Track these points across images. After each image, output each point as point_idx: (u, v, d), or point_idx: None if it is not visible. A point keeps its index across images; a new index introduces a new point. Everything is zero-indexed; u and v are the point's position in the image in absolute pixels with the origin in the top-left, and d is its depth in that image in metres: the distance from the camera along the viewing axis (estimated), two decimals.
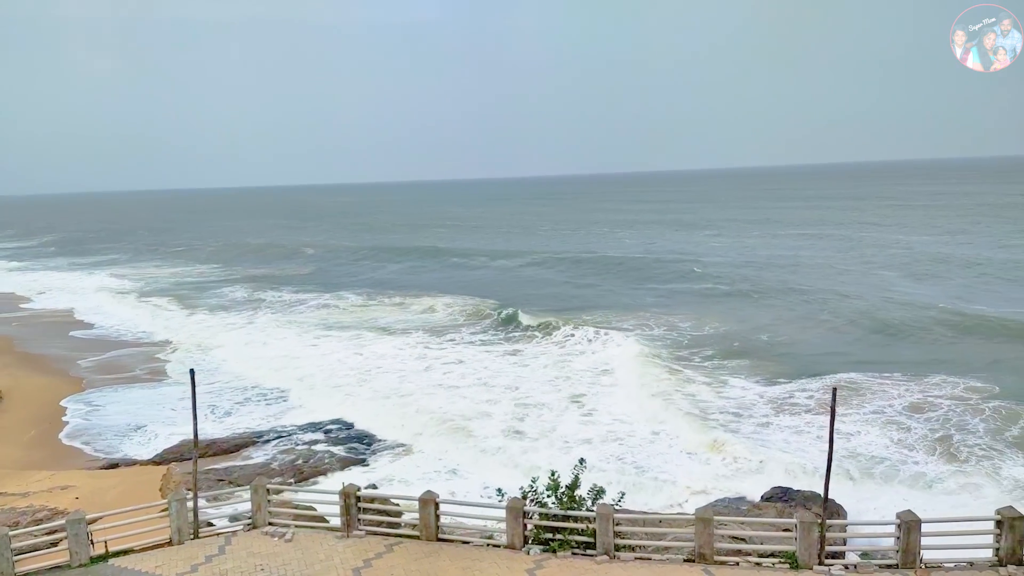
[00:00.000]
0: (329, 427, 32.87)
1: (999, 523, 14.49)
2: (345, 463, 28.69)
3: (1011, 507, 14.89)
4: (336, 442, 31.07)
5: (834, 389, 16.26)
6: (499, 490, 16.70)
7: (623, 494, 16.37)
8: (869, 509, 22.50)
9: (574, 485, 16.03)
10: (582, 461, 16.73)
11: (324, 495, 20.42)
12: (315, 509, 19.67)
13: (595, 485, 16.39)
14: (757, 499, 23.73)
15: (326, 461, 28.81)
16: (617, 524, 15.72)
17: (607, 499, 16.17)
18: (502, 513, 16.11)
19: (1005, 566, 14.19)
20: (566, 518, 15.77)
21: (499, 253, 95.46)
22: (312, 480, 27.15)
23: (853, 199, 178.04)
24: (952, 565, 14.62)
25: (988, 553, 14.63)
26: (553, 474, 16.29)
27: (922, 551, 14.66)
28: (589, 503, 16.06)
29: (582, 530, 15.66)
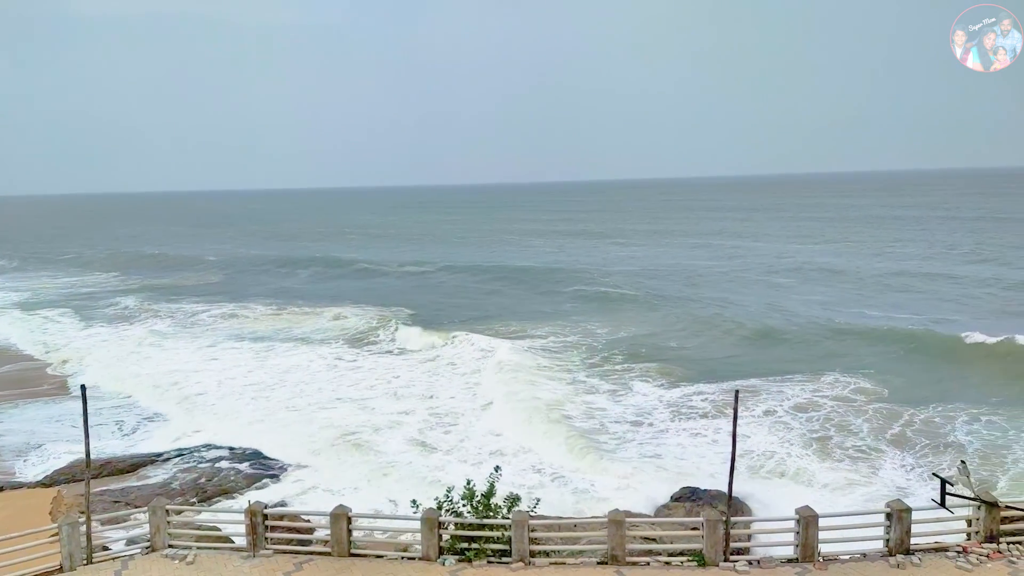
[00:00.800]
0: (233, 444, 31.43)
1: (888, 515, 15.43)
2: (251, 480, 27.56)
3: (899, 500, 15.91)
4: (241, 459, 29.78)
5: (736, 392, 16.92)
6: (414, 501, 16.48)
7: (538, 500, 16.48)
8: (771, 506, 23.53)
9: (489, 493, 16.01)
10: (497, 469, 16.73)
11: (229, 514, 19.59)
12: (220, 529, 18.83)
13: (511, 493, 16.43)
14: (667, 500, 24.44)
15: (231, 479, 27.58)
16: (532, 530, 15.80)
17: (523, 506, 16.22)
18: (417, 525, 15.90)
19: (894, 555, 15.11)
20: (482, 526, 15.73)
21: (409, 262, 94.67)
22: (216, 499, 25.97)
23: (757, 210, 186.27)
24: (847, 557, 15.45)
25: (879, 544, 15.55)
26: (469, 483, 16.22)
27: (820, 544, 15.45)
28: (505, 511, 16.07)
29: (498, 538, 15.65)
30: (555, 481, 27.35)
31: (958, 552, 15.14)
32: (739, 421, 15.94)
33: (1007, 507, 15.71)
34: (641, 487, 26.38)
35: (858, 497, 24.28)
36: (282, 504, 24.08)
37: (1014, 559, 14.80)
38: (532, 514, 16.14)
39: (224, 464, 29.22)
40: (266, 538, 16.55)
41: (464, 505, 15.99)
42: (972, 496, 15.63)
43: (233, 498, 25.91)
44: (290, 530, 17.56)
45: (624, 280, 72.29)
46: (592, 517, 20.29)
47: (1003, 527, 15.46)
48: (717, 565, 15.20)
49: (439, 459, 29.42)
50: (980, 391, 34.76)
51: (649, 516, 22.47)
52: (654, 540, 17.02)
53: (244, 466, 29.05)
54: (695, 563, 15.33)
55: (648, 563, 15.52)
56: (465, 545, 15.66)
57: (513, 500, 16.11)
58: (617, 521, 15.47)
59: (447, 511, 16.05)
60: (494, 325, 53.75)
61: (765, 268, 78.71)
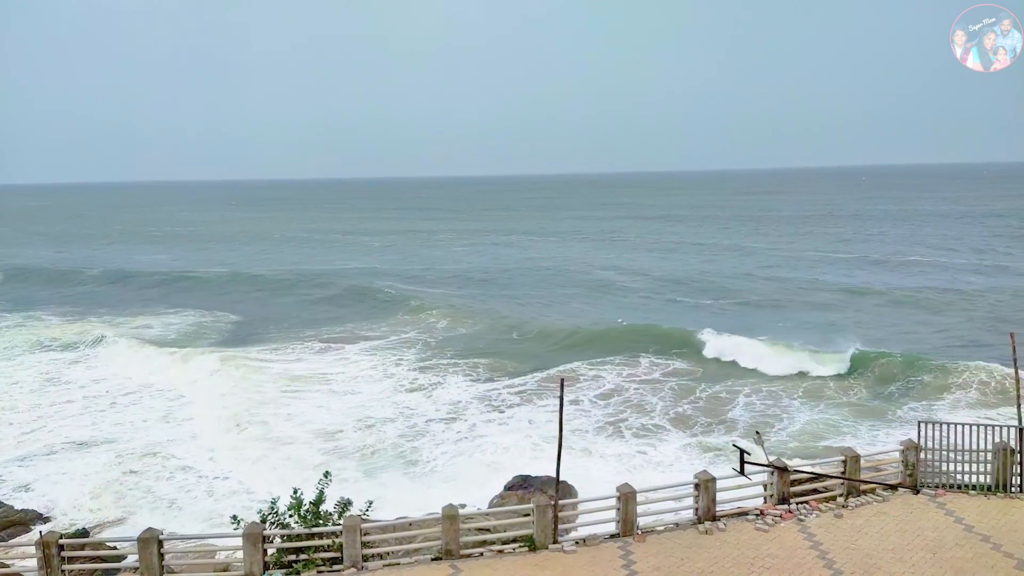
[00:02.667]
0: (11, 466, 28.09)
1: (696, 486, 16.75)
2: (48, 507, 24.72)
3: (705, 471, 17.31)
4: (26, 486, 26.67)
5: (561, 380, 17.63)
6: (234, 517, 15.50)
7: (370, 503, 16.14)
8: (597, 485, 24.81)
9: (319, 500, 15.44)
10: (327, 475, 16.18)
11: (18, 547, 17.39)
12: (9, 566, 16.65)
13: (342, 498, 15.95)
14: (502, 490, 24.97)
15: (17, 510, 24.53)
16: (365, 534, 15.46)
17: (354, 510, 15.82)
18: (239, 541, 14.99)
19: (703, 523, 16.44)
20: (311, 536, 15.14)
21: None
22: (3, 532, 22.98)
23: (554, 209, 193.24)
24: (663, 527, 16.61)
25: (690, 513, 16.86)
26: (296, 492, 15.54)
27: (639, 518, 16.49)
28: (336, 517, 15.59)
29: (328, 546, 15.14)
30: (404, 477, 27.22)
31: (757, 515, 16.76)
32: (558, 409, 16.57)
33: (795, 471, 17.63)
34: (478, 479, 26.86)
35: (675, 471, 26.29)
36: (83, 533, 21.75)
37: (802, 517, 16.64)
38: (364, 518, 15.79)
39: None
40: (63, 571, 14.86)
41: (291, 515, 15.31)
42: (766, 463, 17.37)
43: (29, 529, 23.19)
44: (93, 559, 15.91)
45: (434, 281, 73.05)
46: (428, 515, 20.28)
47: (792, 489, 17.35)
48: (547, 547, 15.74)
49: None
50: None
51: (483, 508, 22.82)
52: (488, 531, 17.32)
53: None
54: (526, 548, 15.77)
55: (481, 554, 15.74)
56: (293, 557, 15.00)
57: (344, 505, 15.66)
58: (451, 516, 15.53)
59: (273, 524, 15.29)
60: (313, 330, 52.40)
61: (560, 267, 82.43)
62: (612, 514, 16.48)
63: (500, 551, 15.82)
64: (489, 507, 22.86)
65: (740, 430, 30.78)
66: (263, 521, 15.24)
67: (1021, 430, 17.73)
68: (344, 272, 79.32)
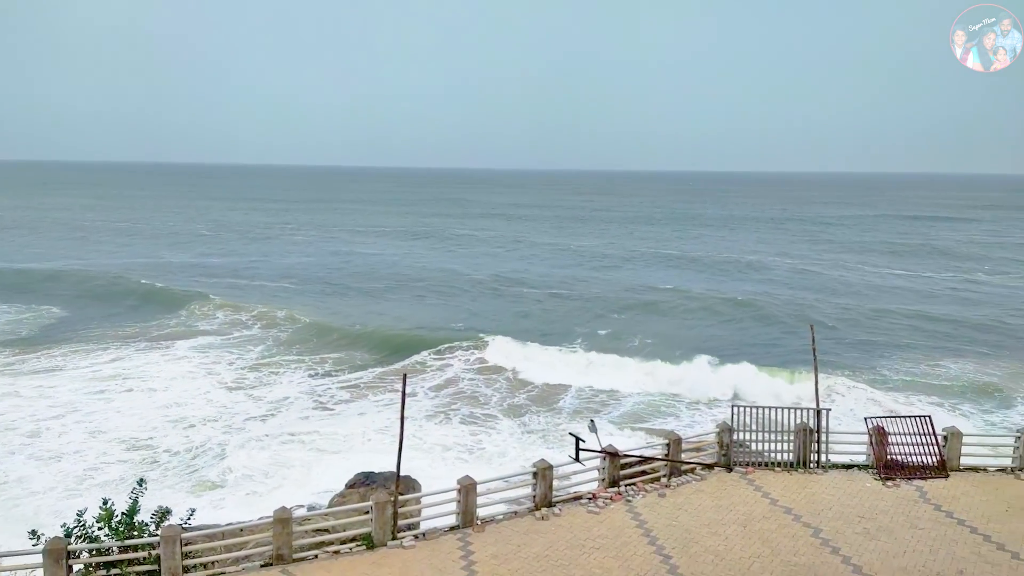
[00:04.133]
0: None
1: (535, 474, 17.23)
2: None
3: (543, 460, 17.82)
4: None
5: (404, 375, 17.47)
6: (33, 532, 13.95)
7: (192, 511, 15.09)
8: (441, 479, 24.88)
9: (132, 511, 14.23)
10: (141, 482, 14.95)
11: None
12: None
13: (160, 506, 14.82)
14: (343, 488, 24.37)
15: None
16: (187, 544, 14.50)
17: (175, 519, 14.74)
18: (39, 559, 13.52)
19: (540, 509, 16.92)
20: (124, 549, 13.94)
21: None
22: None
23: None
24: (502, 516, 16.92)
25: (529, 501, 17.30)
26: (106, 503, 14.22)
27: (480, 509, 16.69)
28: (153, 527, 14.46)
29: (144, 559, 14.02)
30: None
31: (589, 498, 17.52)
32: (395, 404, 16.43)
33: (625, 455, 18.58)
34: (321, 478, 26.11)
35: (510, 460, 26.95)
36: None
37: (630, 498, 17.59)
38: (186, 527, 14.76)
39: None
40: None
41: (101, 528, 14.00)
42: (599, 450, 18.18)
43: None
44: None
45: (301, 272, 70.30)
46: (260, 519, 19.37)
47: (622, 472, 18.28)
48: (385, 544, 15.53)
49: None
50: None
51: (323, 508, 22.16)
52: (327, 531, 16.81)
53: None
54: (364, 546, 15.47)
55: (316, 556, 15.26)
56: (103, 573, 13.75)
57: (162, 515, 14.55)
58: (283, 519, 14.91)
59: (80, 537, 13.92)
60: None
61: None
62: (453, 506, 16.56)
63: (336, 552, 15.42)
64: (329, 506, 22.23)
65: (566, 415, 32.26)
66: (68, 536, 13.83)
67: (819, 412, 19.78)
68: (161, 268, 73.67)
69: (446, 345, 43.24)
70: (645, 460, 18.86)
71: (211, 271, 72.40)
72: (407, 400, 16.69)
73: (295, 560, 14.98)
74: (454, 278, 68.77)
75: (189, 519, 14.62)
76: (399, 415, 16.71)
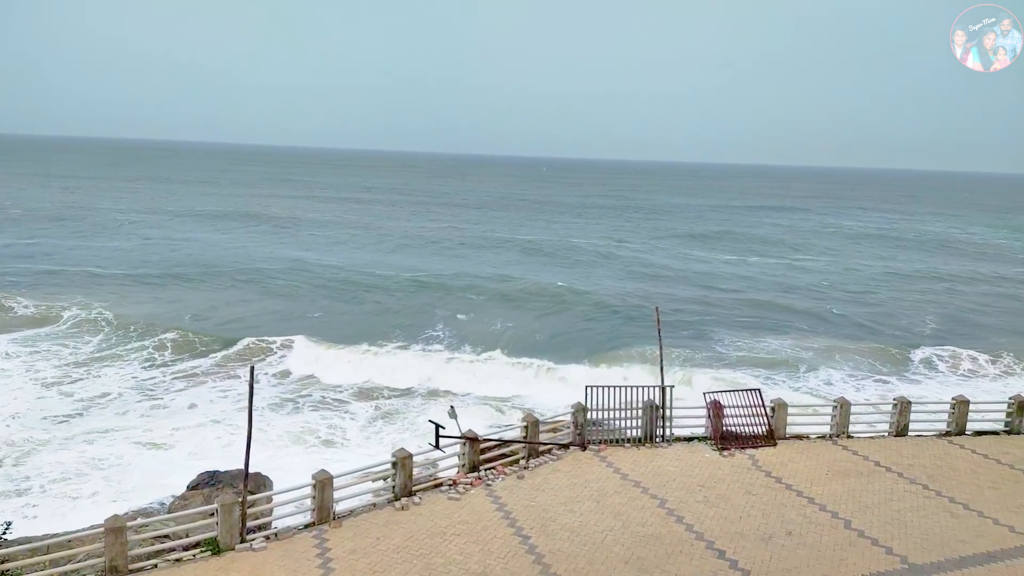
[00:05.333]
0: None
1: (394, 464, 16.91)
2: None
3: (402, 449, 17.53)
4: None
5: (252, 368, 16.47)
6: None
7: (9, 524, 13.49)
8: (295, 473, 23.90)
9: None
10: None
11: None
12: None
13: None
14: (183, 490, 22.78)
15: None
16: (4, 561, 12.94)
17: None
18: None
19: (400, 500, 16.66)
20: None
21: None
22: None
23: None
24: (361, 509, 16.50)
25: (389, 493, 16.97)
26: None
27: (338, 503, 16.17)
28: None
29: None
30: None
31: (449, 485, 17.49)
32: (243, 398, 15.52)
33: (484, 440, 18.71)
34: (157, 481, 24.27)
35: (369, 448, 26.43)
36: None
37: (489, 482, 17.75)
38: (3, 541, 13.18)
39: None
40: None
41: None
42: (459, 435, 18.18)
43: None
44: None
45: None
46: (91, 527, 17.71)
47: (482, 457, 18.40)
48: (233, 548, 14.67)
49: None
50: None
51: (163, 513, 20.62)
52: (168, 537, 15.61)
53: None
54: (210, 552, 14.53)
55: (156, 565, 14.13)
56: None
57: None
58: (115, 529, 13.65)
59: None
60: None
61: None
62: (308, 503, 15.93)
63: (179, 559, 14.36)
64: (169, 510, 20.71)
65: (420, 401, 32.14)
66: None
67: (663, 389, 20.92)
68: None
69: (250, 342, 41.08)
70: (504, 443, 19.10)
71: (23, 257, 65.09)
72: (243, 393, 15.74)
73: (131, 571, 13.80)
74: (281, 269, 64.69)
75: (5, 532, 13.05)
76: (246, 408, 15.74)
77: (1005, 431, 22.45)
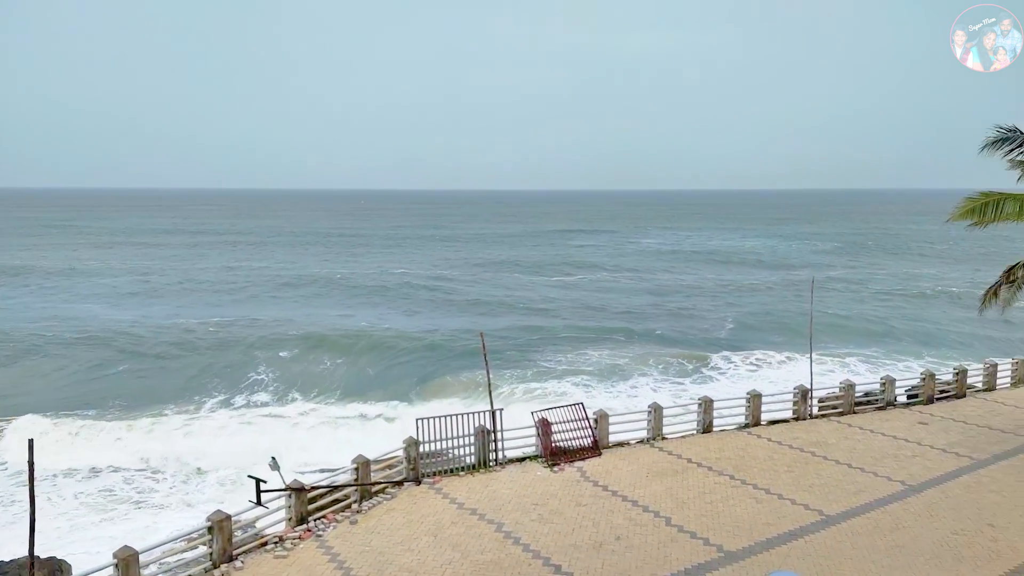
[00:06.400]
0: None
1: (210, 528, 15.52)
2: None
3: (219, 511, 16.16)
4: None
5: (30, 441, 14.44)
6: None
7: None
8: (97, 551, 21.30)
9: None
10: None
11: None
12: None
13: None
14: None
15: None
16: None
17: None
18: None
19: (219, 567, 15.30)
20: None
21: None
22: None
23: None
24: None
25: (207, 561, 15.51)
26: None
27: None
28: None
29: None
30: None
31: (276, 542, 16.38)
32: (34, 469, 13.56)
33: (311, 488, 17.79)
34: None
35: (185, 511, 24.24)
36: None
37: (320, 532, 16.86)
38: None
39: None
40: None
41: None
42: (283, 487, 17.13)
43: None
44: None
45: None
46: None
47: (310, 507, 17.46)
48: None
49: None
50: None
51: None
52: None
53: None
54: None
55: None
56: None
57: None
58: None
59: None
60: None
61: None
62: None
63: None
64: None
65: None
66: None
67: (493, 412, 21.17)
68: None
69: None
70: (334, 488, 18.28)
71: None
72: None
73: None
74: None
75: None
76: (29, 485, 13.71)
77: (793, 418, 25.17)
